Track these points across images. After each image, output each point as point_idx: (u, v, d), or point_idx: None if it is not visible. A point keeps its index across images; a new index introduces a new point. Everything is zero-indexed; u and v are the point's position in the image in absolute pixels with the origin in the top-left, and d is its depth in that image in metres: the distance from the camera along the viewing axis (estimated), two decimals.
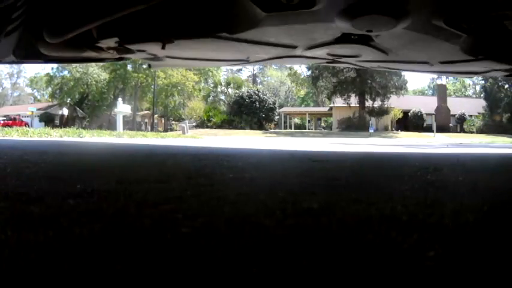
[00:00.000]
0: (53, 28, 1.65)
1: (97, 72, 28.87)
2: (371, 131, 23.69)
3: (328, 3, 1.19)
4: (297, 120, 39.53)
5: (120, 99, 23.19)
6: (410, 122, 31.32)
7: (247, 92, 31.09)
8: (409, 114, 31.97)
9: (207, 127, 29.04)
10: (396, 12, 1.22)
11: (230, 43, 1.56)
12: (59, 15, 1.54)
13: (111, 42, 1.82)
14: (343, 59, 1.75)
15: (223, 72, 36.60)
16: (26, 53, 2.08)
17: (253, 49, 1.77)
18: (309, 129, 34.77)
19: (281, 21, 1.37)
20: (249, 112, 29.42)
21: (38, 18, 1.59)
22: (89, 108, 32.56)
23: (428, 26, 1.38)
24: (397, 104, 28.93)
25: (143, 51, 2.00)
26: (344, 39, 1.52)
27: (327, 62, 1.83)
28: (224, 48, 1.73)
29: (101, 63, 23.16)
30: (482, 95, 34.12)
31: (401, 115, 30.71)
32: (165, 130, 30.64)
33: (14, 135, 5.94)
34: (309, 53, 1.79)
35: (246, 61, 2.28)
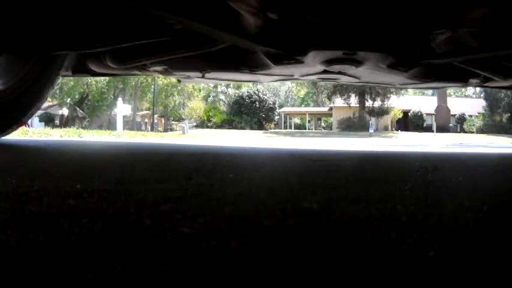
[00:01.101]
0: (118, 57, 2.10)
1: None
2: (371, 131, 23.69)
3: (311, 59, 1.88)
4: (297, 120, 39.50)
5: (120, 99, 23.19)
6: (410, 122, 31.31)
7: (247, 92, 31.06)
8: (409, 114, 31.94)
9: (207, 127, 29.03)
10: (355, 62, 1.91)
11: (249, 73, 2.22)
12: (127, 50, 1.98)
13: (160, 68, 2.35)
14: (329, 79, 2.62)
15: None
16: (78, 69, 2.47)
17: (263, 77, 2.59)
18: (309, 129, 34.75)
19: (284, 66, 2.08)
20: (249, 112, 29.42)
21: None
22: (89, 108, 32.54)
23: (379, 67, 2.01)
24: (397, 104, 28.92)
25: (183, 74, 2.59)
26: (326, 72, 2.20)
27: (318, 79, 2.65)
28: (243, 75, 2.43)
29: None
30: (482, 95, 34.09)
31: (401, 115, 30.70)
32: (165, 130, 30.63)
33: (14, 135, 5.93)
34: (304, 77, 2.58)
35: (257, 81, 3.19)
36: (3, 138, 2.43)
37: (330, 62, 1.92)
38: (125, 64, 2.20)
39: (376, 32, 1.61)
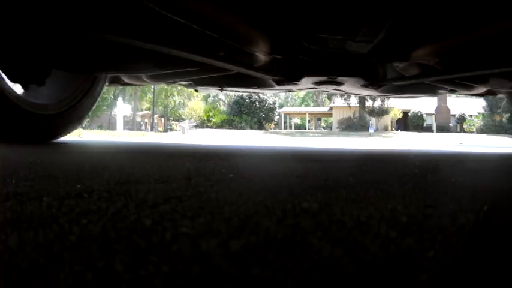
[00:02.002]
0: (156, 77, 2.61)
1: None
2: (371, 131, 23.70)
3: (304, 82, 2.50)
4: (297, 120, 39.49)
5: (120, 99, 23.18)
6: (410, 122, 31.30)
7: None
8: (409, 114, 31.93)
9: (207, 127, 29.04)
10: (336, 84, 2.57)
11: (257, 89, 2.85)
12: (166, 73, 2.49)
13: (186, 83, 2.87)
14: (320, 90, 3.29)
15: None
16: (113, 81, 2.87)
17: (268, 91, 3.33)
18: (308, 129, 34.74)
19: (285, 86, 2.62)
20: (249, 112, 29.40)
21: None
22: None
23: (356, 85, 2.62)
24: (397, 104, 28.90)
25: (205, 89, 3.28)
26: (316, 87, 2.90)
27: (311, 90, 3.39)
28: (253, 90, 3.17)
29: None
30: None
31: (401, 115, 30.70)
32: (165, 130, 30.64)
33: None
34: (301, 90, 3.76)
35: (261, 92, 4.01)
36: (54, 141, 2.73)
37: (318, 83, 2.62)
38: (159, 82, 2.81)
39: (348, 64, 2.26)
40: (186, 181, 1.00)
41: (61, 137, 2.69)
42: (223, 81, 2.66)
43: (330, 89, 2.94)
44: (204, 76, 2.41)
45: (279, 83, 2.46)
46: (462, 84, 2.45)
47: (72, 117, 2.59)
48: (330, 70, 2.30)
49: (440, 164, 1.90)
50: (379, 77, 2.30)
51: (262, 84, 2.63)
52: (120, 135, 8.58)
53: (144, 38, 1.67)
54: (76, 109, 2.58)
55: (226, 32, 1.70)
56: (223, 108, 34.88)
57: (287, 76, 2.32)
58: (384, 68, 2.29)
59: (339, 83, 2.54)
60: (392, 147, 4.63)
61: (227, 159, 1.75)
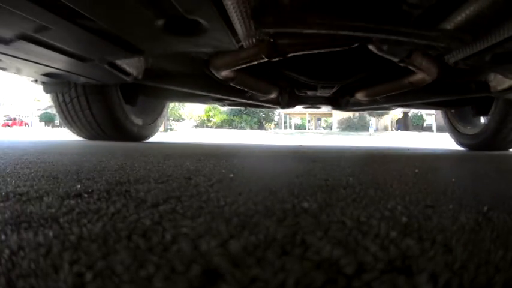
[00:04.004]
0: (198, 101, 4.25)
1: None
2: (371, 131, 23.69)
3: (296, 108, 4.25)
4: (297, 121, 39.43)
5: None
6: (410, 122, 31.27)
7: None
8: (409, 114, 31.90)
9: (207, 127, 29.02)
10: (318, 107, 4.26)
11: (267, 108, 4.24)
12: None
13: (220, 104, 4.32)
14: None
15: None
16: None
17: (270, 109, 4.57)
18: (308, 129, 34.71)
19: (285, 109, 4.04)
20: (249, 112, 29.34)
21: None
22: None
23: (347, 105, 3.83)
24: None
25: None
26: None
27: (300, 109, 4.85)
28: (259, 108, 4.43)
29: None
30: None
31: (401, 115, 30.66)
32: (165, 130, 30.61)
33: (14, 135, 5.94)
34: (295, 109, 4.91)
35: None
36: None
37: (305, 107, 4.25)
38: (199, 103, 4.52)
39: (321, 99, 3.75)
40: (186, 181, 1.00)
41: (147, 139, 4.22)
42: (247, 105, 4.16)
43: (313, 109, 4.52)
44: (232, 102, 3.81)
45: (282, 107, 3.88)
46: (384, 107, 4.05)
47: (153, 128, 4.22)
48: (311, 102, 3.89)
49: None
50: (341, 104, 3.77)
51: (266, 107, 4.05)
52: None
53: (213, 92, 3.15)
54: (155, 124, 4.25)
55: (257, 89, 3.05)
56: (223, 108, 34.90)
57: (286, 105, 3.79)
58: (343, 100, 3.70)
59: (318, 107, 4.18)
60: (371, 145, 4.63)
61: (227, 159, 1.75)
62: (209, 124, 30.72)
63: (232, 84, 2.59)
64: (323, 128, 37.09)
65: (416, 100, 3.27)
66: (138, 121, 3.76)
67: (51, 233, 0.51)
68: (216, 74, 2.35)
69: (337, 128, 28.68)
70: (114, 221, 0.58)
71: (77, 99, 3.00)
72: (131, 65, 2.48)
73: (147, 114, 3.99)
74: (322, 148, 3.82)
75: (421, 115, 31.32)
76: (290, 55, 1.90)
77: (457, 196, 0.86)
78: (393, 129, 29.51)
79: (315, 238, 0.51)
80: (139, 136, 3.79)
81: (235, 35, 1.53)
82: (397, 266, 0.42)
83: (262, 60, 1.97)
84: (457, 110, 4.02)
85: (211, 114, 32.22)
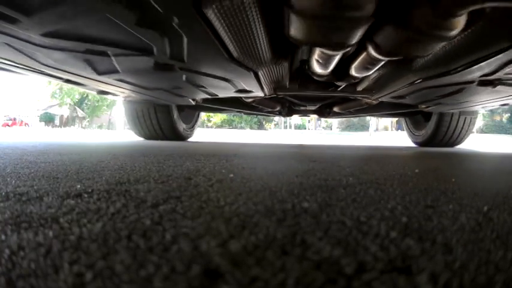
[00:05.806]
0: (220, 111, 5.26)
1: None
2: (371, 131, 23.68)
3: (293, 116, 5.29)
4: (297, 120, 39.38)
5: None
6: None
7: None
8: None
9: (207, 127, 28.98)
10: (309, 116, 5.94)
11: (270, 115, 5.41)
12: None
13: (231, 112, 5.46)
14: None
15: None
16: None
17: (271, 116, 5.54)
18: (308, 129, 34.70)
19: (284, 117, 5.37)
20: None
21: None
22: (89, 108, 32.49)
23: (329, 115, 4.89)
24: None
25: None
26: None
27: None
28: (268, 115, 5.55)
29: None
30: None
31: None
32: None
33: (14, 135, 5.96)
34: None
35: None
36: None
37: (301, 116, 5.46)
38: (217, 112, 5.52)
39: (312, 111, 4.70)
40: (186, 181, 1.00)
41: (189, 139, 5.15)
42: (258, 114, 4.96)
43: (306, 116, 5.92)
44: (249, 113, 4.81)
45: (283, 116, 4.89)
46: (357, 115, 5.10)
47: (192, 131, 5.24)
48: (305, 113, 4.98)
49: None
50: (325, 114, 4.72)
51: (269, 115, 5.08)
52: (120, 136, 8.58)
53: (240, 108, 4.47)
54: (193, 128, 5.29)
55: (267, 106, 4.22)
56: None
57: (286, 115, 4.83)
58: (326, 111, 4.64)
59: (309, 116, 5.42)
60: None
61: (227, 159, 1.75)
62: (209, 124, 30.71)
63: (253, 104, 4.03)
64: (323, 128, 37.09)
65: (375, 112, 4.71)
66: (184, 126, 4.97)
67: (51, 233, 0.51)
68: (246, 100, 3.81)
69: (337, 128, 28.67)
70: (114, 221, 0.58)
71: (147, 111, 4.30)
72: None
73: (189, 121, 5.18)
74: (322, 148, 3.83)
75: None
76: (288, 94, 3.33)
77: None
78: (393, 129, 29.50)
79: (315, 238, 0.51)
80: (185, 137, 4.96)
81: (264, 91, 2.94)
82: (397, 265, 0.42)
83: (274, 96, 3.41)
84: (410, 118, 5.46)
85: (211, 114, 32.18)
